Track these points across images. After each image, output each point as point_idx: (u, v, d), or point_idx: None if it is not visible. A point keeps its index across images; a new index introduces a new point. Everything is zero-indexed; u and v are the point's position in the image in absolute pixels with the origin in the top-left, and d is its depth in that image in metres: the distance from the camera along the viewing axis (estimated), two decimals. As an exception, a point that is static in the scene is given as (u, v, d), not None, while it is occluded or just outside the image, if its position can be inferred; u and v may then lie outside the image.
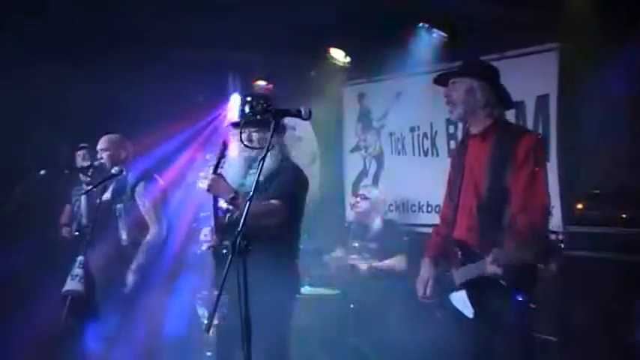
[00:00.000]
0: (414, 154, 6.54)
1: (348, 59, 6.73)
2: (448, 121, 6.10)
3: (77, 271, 4.26)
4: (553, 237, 4.07)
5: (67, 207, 5.89)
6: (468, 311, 3.39)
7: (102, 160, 4.92)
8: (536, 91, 5.35)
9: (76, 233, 5.47)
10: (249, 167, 3.84)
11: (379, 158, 6.98)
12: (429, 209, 6.24)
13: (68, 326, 4.27)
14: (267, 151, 3.09)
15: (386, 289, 5.48)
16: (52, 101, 6.13)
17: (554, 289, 4.57)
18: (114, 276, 4.72)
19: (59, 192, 5.85)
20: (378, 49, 6.09)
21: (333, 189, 7.25)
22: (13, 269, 5.79)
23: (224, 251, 3.66)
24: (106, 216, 4.82)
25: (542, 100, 5.33)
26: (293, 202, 3.80)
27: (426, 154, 6.41)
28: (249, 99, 3.97)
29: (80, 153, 5.77)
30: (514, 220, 3.35)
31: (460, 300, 3.44)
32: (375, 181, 6.92)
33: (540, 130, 5.28)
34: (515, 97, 5.28)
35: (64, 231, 5.78)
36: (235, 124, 3.99)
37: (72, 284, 4.24)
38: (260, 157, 3.15)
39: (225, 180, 3.65)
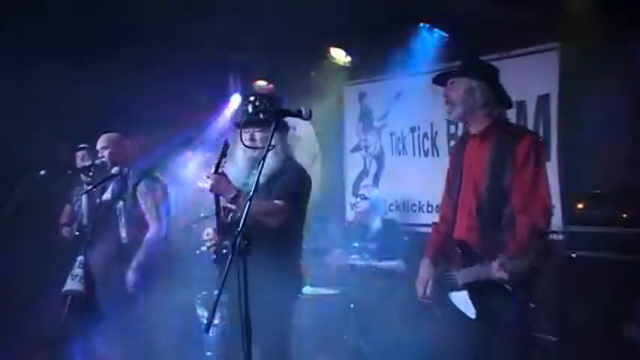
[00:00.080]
0: (414, 154, 6.54)
1: (348, 59, 6.73)
2: (449, 121, 6.10)
3: (77, 271, 4.25)
4: (553, 237, 4.07)
5: (67, 207, 5.88)
6: (471, 312, 3.39)
7: (103, 159, 4.91)
8: (537, 91, 5.35)
9: (76, 233, 5.47)
10: (253, 167, 3.83)
11: (380, 158, 6.98)
12: (430, 209, 6.24)
13: (68, 326, 4.26)
14: (268, 150, 3.09)
15: (386, 289, 5.48)
16: (52, 101, 6.12)
17: (554, 289, 4.56)
18: (114, 274, 4.71)
19: (59, 192, 5.85)
20: (378, 48, 6.09)
21: (334, 189, 7.24)
22: (13, 269, 5.79)
23: (224, 251, 3.65)
24: (107, 215, 4.81)
25: (542, 100, 5.33)
26: (296, 202, 3.78)
27: (426, 154, 6.41)
28: (252, 98, 3.95)
29: (80, 154, 5.77)
30: (516, 222, 3.35)
31: (462, 300, 3.43)
32: (376, 181, 6.93)
33: (541, 130, 5.29)
34: (516, 96, 5.29)
35: (64, 231, 5.78)
36: (238, 124, 3.99)
37: (72, 284, 4.23)
38: (261, 157, 3.15)
39: (227, 179, 3.65)
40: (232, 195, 3.61)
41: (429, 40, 5.84)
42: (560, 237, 4.86)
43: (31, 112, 6.07)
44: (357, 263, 5.64)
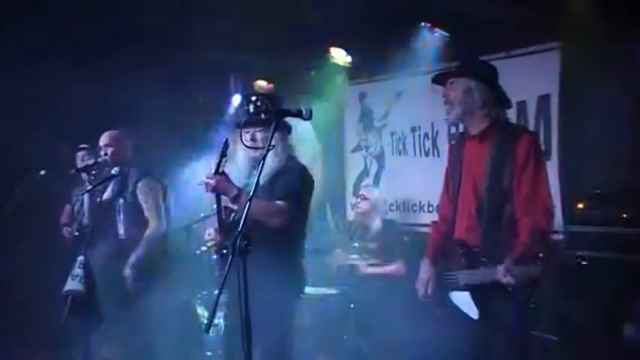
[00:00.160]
0: (415, 154, 6.53)
1: (349, 59, 6.72)
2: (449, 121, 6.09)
3: (77, 271, 4.25)
4: (555, 237, 4.07)
5: (67, 207, 5.89)
6: (473, 312, 3.38)
7: (105, 157, 4.91)
8: (537, 91, 5.34)
9: (76, 233, 5.47)
10: (254, 167, 3.82)
11: (380, 158, 6.97)
12: (430, 209, 6.24)
13: (68, 326, 4.26)
14: (268, 150, 3.08)
15: (386, 288, 5.48)
16: (52, 101, 6.12)
17: (554, 289, 4.56)
18: (113, 272, 4.71)
19: (59, 192, 5.85)
20: (379, 48, 6.08)
21: (334, 189, 7.24)
22: (13, 269, 5.80)
23: (224, 251, 3.65)
24: (107, 214, 4.82)
25: (543, 100, 5.32)
26: (298, 202, 3.77)
27: (427, 154, 6.40)
28: (253, 98, 3.95)
29: (80, 154, 5.77)
30: (517, 222, 3.35)
31: (464, 301, 3.42)
32: (376, 181, 6.92)
33: (542, 130, 5.28)
34: (516, 96, 5.31)
35: (64, 231, 5.79)
36: (238, 124, 3.98)
37: (72, 284, 4.23)
38: (261, 157, 3.15)
39: (228, 178, 3.64)
40: (234, 194, 3.61)
41: (429, 39, 5.83)
42: (561, 237, 4.86)
43: (31, 112, 6.07)
44: (357, 263, 5.63)
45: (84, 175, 5.32)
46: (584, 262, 3.26)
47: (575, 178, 5.07)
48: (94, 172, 5.01)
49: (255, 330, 2.87)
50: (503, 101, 3.58)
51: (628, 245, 4.51)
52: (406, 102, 6.46)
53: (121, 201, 4.88)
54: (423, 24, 5.81)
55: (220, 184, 3.60)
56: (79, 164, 5.59)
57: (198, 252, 5.70)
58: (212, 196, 3.71)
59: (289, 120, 3.75)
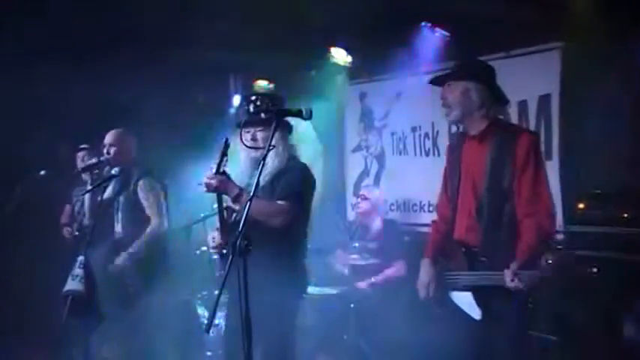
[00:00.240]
0: (415, 154, 6.53)
1: (349, 59, 6.72)
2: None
3: (78, 271, 4.25)
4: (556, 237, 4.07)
5: (67, 207, 5.88)
6: (475, 313, 3.37)
7: (108, 156, 4.91)
8: (538, 91, 5.33)
9: (77, 233, 5.47)
10: (255, 167, 3.81)
11: (381, 158, 6.97)
12: (431, 209, 6.23)
13: (69, 326, 4.26)
14: (268, 150, 3.08)
15: (386, 288, 5.48)
16: (52, 101, 6.12)
17: (554, 289, 4.55)
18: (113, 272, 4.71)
19: (59, 192, 5.85)
20: (379, 48, 6.08)
21: (335, 189, 7.23)
22: (13, 269, 5.80)
23: (224, 251, 3.65)
24: (107, 214, 4.83)
25: (544, 100, 5.32)
26: (300, 202, 3.75)
27: (427, 154, 6.40)
28: (253, 98, 3.94)
29: (80, 154, 5.77)
30: (518, 223, 3.34)
31: (466, 301, 3.42)
32: (377, 181, 6.92)
33: (542, 130, 5.27)
34: (517, 96, 5.32)
35: (65, 231, 5.78)
36: (239, 124, 3.97)
37: (72, 284, 4.23)
38: (262, 157, 3.15)
39: (229, 177, 3.63)
40: (235, 193, 3.59)
41: (430, 39, 5.82)
42: (561, 237, 4.86)
43: (31, 112, 6.07)
44: (358, 263, 5.63)
45: (84, 176, 5.32)
46: (594, 270, 3.25)
47: (575, 178, 5.07)
48: (96, 171, 5.00)
49: (257, 330, 2.87)
50: (501, 99, 3.58)
51: (628, 245, 4.50)
52: (406, 102, 6.45)
53: (121, 199, 4.88)
54: (423, 24, 5.80)
55: (221, 183, 3.58)
56: (79, 164, 5.60)
57: (198, 252, 5.70)
58: (212, 196, 3.69)
59: (290, 120, 3.74)
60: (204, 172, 3.64)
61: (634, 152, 4.80)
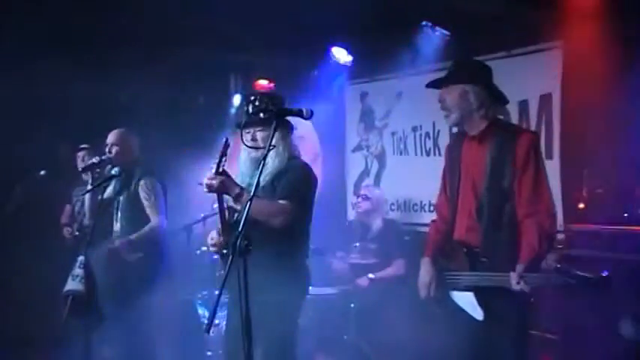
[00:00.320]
0: (416, 154, 6.52)
1: (350, 58, 6.72)
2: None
3: (78, 271, 4.25)
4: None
5: (68, 207, 5.89)
6: (478, 313, 3.37)
7: (110, 155, 4.91)
8: (539, 90, 5.33)
9: (77, 233, 5.47)
10: (256, 168, 3.80)
11: (381, 158, 6.96)
12: (431, 209, 6.21)
13: (69, 326, 4.26)
14: (269, 150, 3.07)
15: (386, 288, 5.47)
16: (52, 101, 6.12)
17: (554, 288, 4.55)
18: (113, 272, 4.71)
19: (59, 192, 5.85)
20: (380, 47, 6.08)
21: (335, 188, 7.23)
22: (13, 269, 5.79)
23: (224, 251, 3.64)
24: (107, 214, 4.83)
25: (545, 99, 5.31)
26: (301, 201, 3.72)
27: (428, 154, 6.39)
28: (253, 98, 3.92)
29: (81, 154, 5.77)
30: (518, 223, 3.34)
31: (467, 302, 3.41)
32: (377, 180, 6.91)
33: (543, 129, 5.27)
34: (518, 95, 5.31)
35: (65, 231, 5.78)
36: (239, 124, 3.96)
37: (73, 284, 4.23)
38: (262, 157, 3.14)
39: (229, 177, 3.62)
40: (236, 192, 3.58)
41: (430, 38, 5.82)
42: (562, 237, 4.85)
43: (31, 112, 6.07)
44: (357, 262, 5.62)
45: (84, 175, 5.32)
46: (604, 274, 3.24)
47: (576, 178, 5.06)
48: (97, 170, 5.01)
49: (257, 330, 2.86)
50: (500, 99, 3.57)
51: (628, 245, 4.50)
52: (407, 101, 6.45)
53: (121, 198, 4.88)
54: (424, 23, 5.80)
55: (222, 183, 3.57)
56: (79, 164, 5.60)
57: (198, 252, 5.70)
58: (212, 196, 3.68)
59: (291, 119, 3.73)
60: (204, 171, 3.63)
61: (635, 152, 4.79)
